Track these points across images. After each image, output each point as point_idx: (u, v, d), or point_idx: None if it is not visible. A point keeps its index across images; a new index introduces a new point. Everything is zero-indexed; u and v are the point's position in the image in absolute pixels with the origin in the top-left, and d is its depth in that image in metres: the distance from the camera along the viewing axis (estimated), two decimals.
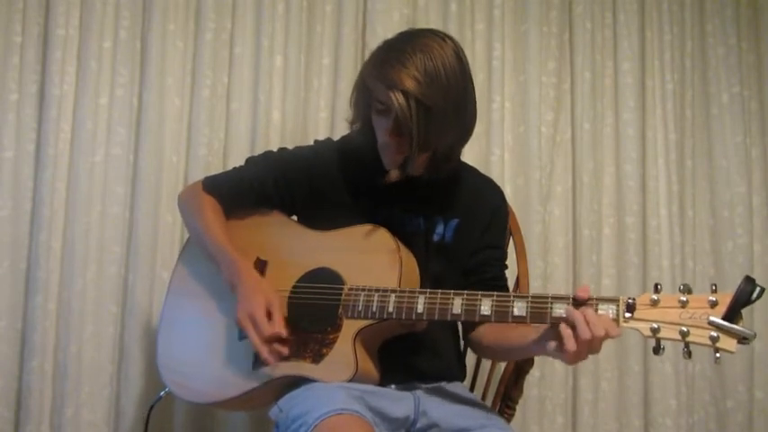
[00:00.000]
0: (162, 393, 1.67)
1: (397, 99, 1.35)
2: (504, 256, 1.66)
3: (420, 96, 1.35)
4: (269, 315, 1.42)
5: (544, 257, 2.23)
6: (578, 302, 1.27)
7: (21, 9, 1.99)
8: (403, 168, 1.45)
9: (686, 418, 2.25)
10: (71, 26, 2.00)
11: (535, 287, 2.14)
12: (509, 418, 1.66)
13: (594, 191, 2.30)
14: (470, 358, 1.69)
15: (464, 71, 1.42)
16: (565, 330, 1.24)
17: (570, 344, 1.23)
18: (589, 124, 2.31)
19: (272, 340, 1.41)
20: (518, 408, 1.70)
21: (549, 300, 1.30)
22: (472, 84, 1.47)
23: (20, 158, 1.97)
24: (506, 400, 1.67)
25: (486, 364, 1.85)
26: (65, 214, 1.97)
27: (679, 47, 2.41)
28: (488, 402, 1.69)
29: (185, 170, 2.07)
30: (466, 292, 1.38)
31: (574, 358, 1.25)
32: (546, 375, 2.19)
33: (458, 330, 1.66)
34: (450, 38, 1.44)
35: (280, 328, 1.42)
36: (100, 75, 2.01)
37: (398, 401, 1.43)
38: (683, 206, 2.36)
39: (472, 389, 1.79)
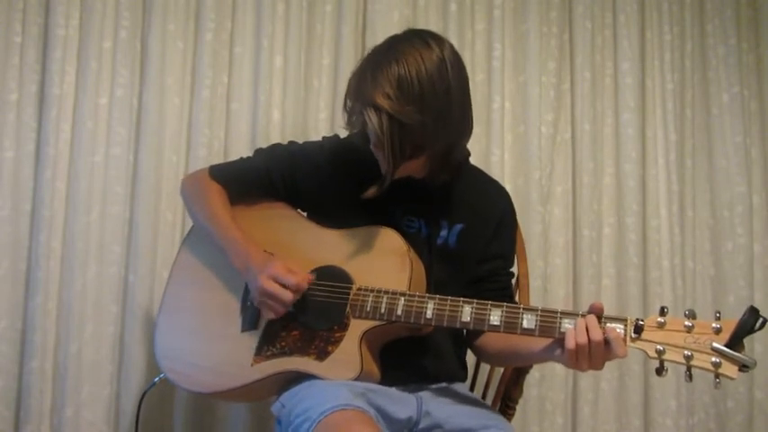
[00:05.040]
0: (156, 379, 1.65)
1: (369, 116, 1.36)
2: (511, 264, 1.66)
3: (391, 112, 1.34)
4: (290, 273, 1.44)
5: (544, 257, 2.23)
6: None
7: (21, 9, 1.99)
8: (380, 185, 1.43)
9: (686, 419, 2.25)
10: (71, 26, 2.00)
11: (535, 287, 2.14)
12: (509, 418, 1.66)
13: (594, 191, 2.30)
14: (470, 358, 1.68)
15: (446, 77, 1.38)
16: (568, 329, 1.28)
17: (570, 342, 1.26)
18: (589, 124, 2.31)
19: (300, 291, 1.44)
20: (518, 408, 1.70)
21: (559, 315, 1.32)
22: (462, 87, 1.44)
23: (20, 158, 1.97)
24: (506, 400, 1.67)
25: (486, 363, 1.85)
26: (65, 214, 1.97)
27: (679, 47, 2.41)
28: (488, 402, 1.69)
29: (185, 170, 2.07)
30: (475, 300, 1.37)
31: (573, 361, 1.27)
32: (546, 375, 2.19)
33: (459, 331, 1.65)
34: (438, 40, 1.41)
35: (308, 277, 1.45)
36: (100, 75, 2.01)
37: (401, 402, 1.43)
38: (683, 206, 2.36)
39: (472, 389, 1.79)
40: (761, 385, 2.34)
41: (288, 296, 1.43)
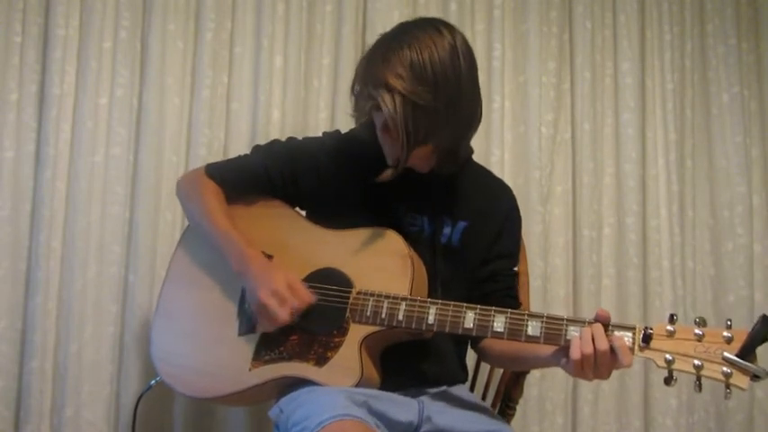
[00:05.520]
0: (152, 382, 1.63)
1: (382, 96, 1.33)
2: (517, 263, 1.63)
3: (404, 92, 1.32)
4: (291, 290, 1.40)
5: (544, 257, 2.23)
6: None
7: (21, 9, 1.99)
8: (396, 167, 1.41)
9: (686, 418, 2.25)
10: (71, 26, 2.00)
11: (535, 287, 2.14)
12: (509, 419, 1.66)
13: (594, 191, 2.30)
14: (470, 358, 1.68)
15: (458, 64, 1.36)
16: (574, 338, 1.25)
17: (576, 352, 1.24)
18: (589, 124, 2.31)
19: (299, 311, 1.40)
20: (518, 408, 1.70)
21: (564, 322, 1.29)
22: (472, 77, 1.42)
23: (20, 158, 1.96)
24: (506, 400, 1.67)
25: (487, 364, 1.85)
26: (65, 214, 1.97)
27: (679, 47, 2.41)
28: (488, 402, 1.69)
29: (185, 170, 2.06)
30: (479, 306, 1.34)
31: (579, 371, 1.25)
32: (546, 375, 2.19)
33: None
34: (451, 29, 1.40)
35: (309, 297, 1.40)
36: (100, 75, 2.01)
37: (403, 406, 1.41)
38: (683, 206, 2.36)
39: (472, 389, 1.79)
40: (761, 385, 2.34)
41: (284, 316, 1.39)
